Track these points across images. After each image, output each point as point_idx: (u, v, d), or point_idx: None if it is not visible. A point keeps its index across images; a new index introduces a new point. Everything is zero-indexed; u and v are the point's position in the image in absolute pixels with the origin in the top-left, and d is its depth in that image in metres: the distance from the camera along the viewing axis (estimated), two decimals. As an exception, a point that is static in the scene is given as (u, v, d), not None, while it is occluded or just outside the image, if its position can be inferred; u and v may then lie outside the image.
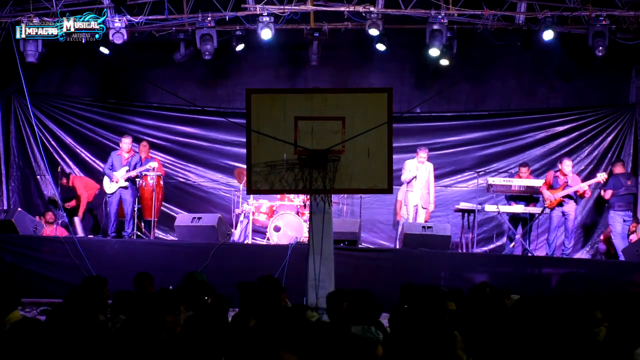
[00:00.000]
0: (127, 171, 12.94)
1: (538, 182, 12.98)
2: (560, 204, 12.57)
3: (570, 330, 4.34)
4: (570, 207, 12.62)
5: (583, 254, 14.14)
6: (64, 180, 13.89)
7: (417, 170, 12.92)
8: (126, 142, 13.14)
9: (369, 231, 14.47)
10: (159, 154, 14.60)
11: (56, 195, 13.92)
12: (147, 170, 13.04)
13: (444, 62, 13.75)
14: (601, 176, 12.78)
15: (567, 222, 12.65)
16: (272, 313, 5.29)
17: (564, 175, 12.63)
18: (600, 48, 12.62)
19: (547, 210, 12.71)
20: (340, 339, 3.53)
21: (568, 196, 12.58)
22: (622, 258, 12.30)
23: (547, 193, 12.58)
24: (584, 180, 13.10)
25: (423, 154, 13.02)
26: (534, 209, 12.94)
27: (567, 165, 12.72)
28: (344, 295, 6.08)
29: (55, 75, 15.11)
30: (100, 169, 13.77)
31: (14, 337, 3.65)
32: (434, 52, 13.14)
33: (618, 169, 13.27)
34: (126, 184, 12.96)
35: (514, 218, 13.29)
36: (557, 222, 12.69)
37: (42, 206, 14.61)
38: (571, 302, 4.55)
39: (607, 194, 12.91)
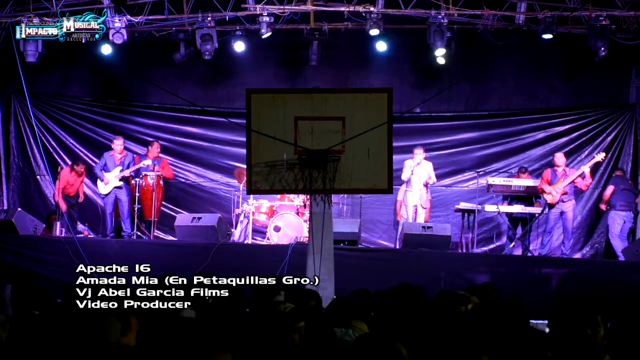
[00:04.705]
0: (121, 171, 12.93)
1: (537, 182, 12.96)
2: (562, 199, 12.52)
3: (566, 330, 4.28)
4: (568, 205, 12.59)
5: (583, 254, 14.14)
6: (82, 167, 13.34)
7: (413, 173, 12.89)
8: (118, 144, 13.11)
9: (369, 231, 14.46)
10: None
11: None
12: (142, 168, 12.98)
13: (441, 60, 13.61)
14: (599, 156, 12.78)
15: (565, 222, 12.62)
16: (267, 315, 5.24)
17: (559, 166, 12.65)
18: (602, 48, 12.62)
19: (547, 210, 12.69)
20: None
21: (569, 187, 12.52)
22: (622, 258, 12.30)
23: (548, 188, 12.52)
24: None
25: (419, 155, 12.97)
26: (534, 209, 12.92)
27: (559, 158, 12.75)
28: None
29: (55, 75, 15.09)
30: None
31: (15, 336, 3.66)
32: (434, 52, 13.12)
33: (618, 174, 13.36)
34: (120, 183, 12.95)
35: (514, 218, 13.29)
36: (554, 223, 12.66)
37: (42, 206, 14.59)
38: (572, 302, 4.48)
39: (608, 190, 12.94)
